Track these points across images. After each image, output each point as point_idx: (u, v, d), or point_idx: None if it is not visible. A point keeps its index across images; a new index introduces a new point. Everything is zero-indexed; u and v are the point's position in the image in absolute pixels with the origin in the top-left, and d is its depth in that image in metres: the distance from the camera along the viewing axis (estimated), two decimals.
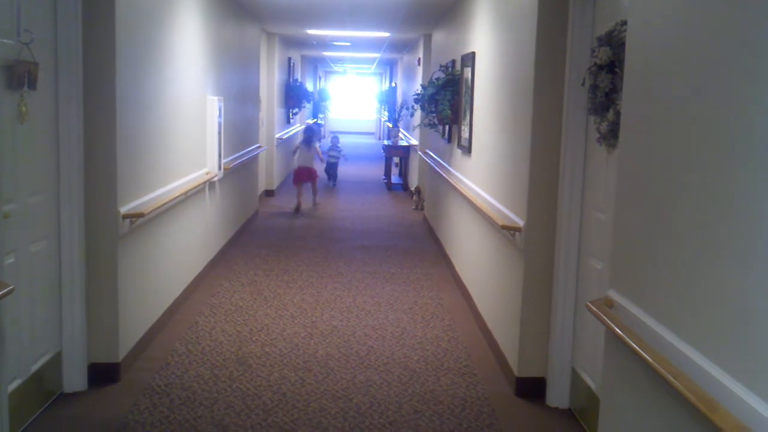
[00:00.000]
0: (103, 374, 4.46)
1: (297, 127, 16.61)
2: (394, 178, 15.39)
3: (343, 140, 27.15)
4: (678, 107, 2.35)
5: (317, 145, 12.29)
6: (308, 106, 18.76)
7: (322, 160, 12.60)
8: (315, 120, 19.36)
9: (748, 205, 1.91)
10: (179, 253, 6.03)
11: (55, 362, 4.22)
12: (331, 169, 13.85)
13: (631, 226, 2.71)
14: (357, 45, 15.31)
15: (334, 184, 13.79)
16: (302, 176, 11.65)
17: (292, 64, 15.72)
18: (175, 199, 5.48)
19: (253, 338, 5.38)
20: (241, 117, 9.22)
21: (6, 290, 3.12)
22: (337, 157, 14.00)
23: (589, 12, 3.97)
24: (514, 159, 4.78)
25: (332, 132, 14.13)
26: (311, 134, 11.93)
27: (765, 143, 1.84)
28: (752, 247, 1.88)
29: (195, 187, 6.23)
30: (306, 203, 11.74)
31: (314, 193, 12.03)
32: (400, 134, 15.37)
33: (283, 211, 11.46)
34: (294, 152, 12.15)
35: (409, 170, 14.53)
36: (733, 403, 1.89)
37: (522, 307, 4.44)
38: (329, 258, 8.16)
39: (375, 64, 22.89)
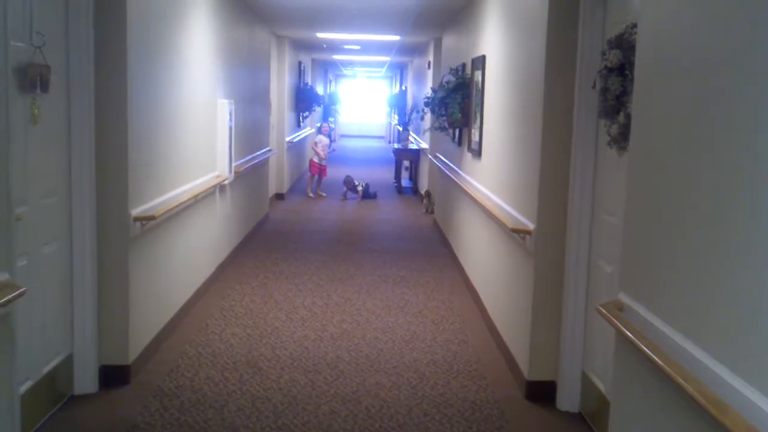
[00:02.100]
0: (113, 376, 4.47)
1: (307, 131, 16.67)
2: (405, 182, 15.39)
3: (353, 143, 27.23)
4: (689, 110, 2.34)
5: (319, 138, 13.90)
6: (318, 110, 18.79)
7: (321, 158, 13.67)
8: (328, 122, 19.42)
9: (761, 207, 1.90)
10: (190, 256, 6.04)
11: (67, 364, 4.24)
12: (365, 192, 13.70)
13: (642, 229, 2.71)
14: (367, 48, 15.34)
15: (375, 196, 13.72)
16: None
17: (302, 68, 15.75)
18: (186, 202, 5.50)
19: (263, 341, 5.38)
20: (252, 120, 9.24)
21: (18, 292, 3.13)
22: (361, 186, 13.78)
23: (600, 15, 3.96)
24: (524, 162, 4.78)
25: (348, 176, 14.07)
26: (319, 128, 14.95)
27: None
28: (763, 249, 1.87)
29: (206, 191, 6.25)
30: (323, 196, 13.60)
31: (308, 184, 13.81)
32: (410, 138, 15.36)
33: (293, 215, 11.50)
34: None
35: (419, 174, 14.52)
36: (744, 406, 1.88)
37: (532, 311, 4.43)
38: (339, 261, 8.17)
39: (385, 67, 22.91)
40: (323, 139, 13.77)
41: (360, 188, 13.43)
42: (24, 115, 3.61)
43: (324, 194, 13.62)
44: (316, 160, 13.60)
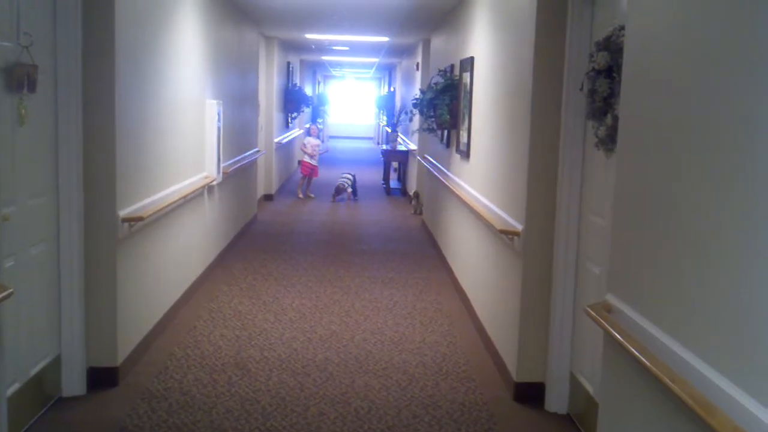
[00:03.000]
0: (101, 378, 4.45)
1: (296, 132, 16.65)
2: (393, 183, 15.39)
3: (341, 145, 27.23)
4: (675, 112, 2.35)
5: (307, 139, 13.85)
6: (307, 111, 18.78)
7: (311, 156, 13.69)
8: (317, 124, 19.36)
9: (746, 209, 1.91)
10: (178, 257, 6.02)
11: (54, 366, 4.22)
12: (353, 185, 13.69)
13: (629, 230, 2.72)
14: (356, 49, 15.34)
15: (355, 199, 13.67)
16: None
17: (291, 69, 15.74)
18: (174, 203, 5.48)
19: (252, 343, 5.37)
20: (240, 121, 9.22)
21: (5, 293, 3.12)
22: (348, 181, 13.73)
23: (588, 17, 3.98)
24: (512, 163, 4.79)
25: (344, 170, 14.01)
26: (308, 130, 14.60)
27: (763, 147, 1.84)
28: (750, 251, 1.89)
29: (194, 191, 6.23)
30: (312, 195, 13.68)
31: (299, 185, 13.84)
32: (399, 139, 15.37)
33: (282, 216, 11.48)
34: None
35: (407, 175, 14.53)
36: (731, 408, 1.90)
37: (520, 312, 4.44)
38: (328, 262, 8.17)
39: (374, 68, 22.91)
40: (311, 140, 13.74)
41: (348, 187, 13.43)
42: (11, 115, 3.59)
43: (313, 195, 13.60)
44: (307, 160, 13.59)
